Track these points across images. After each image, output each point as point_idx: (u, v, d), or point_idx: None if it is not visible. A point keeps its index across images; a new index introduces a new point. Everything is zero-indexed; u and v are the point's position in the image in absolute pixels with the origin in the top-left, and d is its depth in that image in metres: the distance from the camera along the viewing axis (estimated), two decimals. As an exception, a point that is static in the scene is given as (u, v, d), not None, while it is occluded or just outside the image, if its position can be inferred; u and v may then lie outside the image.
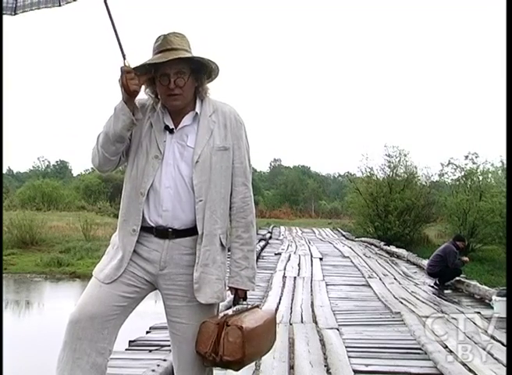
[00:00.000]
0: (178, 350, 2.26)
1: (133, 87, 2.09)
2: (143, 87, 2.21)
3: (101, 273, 2.22)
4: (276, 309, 6.84)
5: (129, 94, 2.10)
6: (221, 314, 2.22)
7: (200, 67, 2.21)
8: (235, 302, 2.27)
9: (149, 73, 2.18)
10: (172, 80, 2.16)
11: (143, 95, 2.31)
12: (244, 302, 2.28)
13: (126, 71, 2.09)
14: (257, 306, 2.34)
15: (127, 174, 2.25)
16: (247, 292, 2.30)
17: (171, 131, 2.22)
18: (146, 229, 2.20)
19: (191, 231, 2.20)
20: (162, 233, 2.19)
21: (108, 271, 2.20)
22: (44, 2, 2.39)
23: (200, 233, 2.18)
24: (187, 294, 2.21)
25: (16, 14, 2.35)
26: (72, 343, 2.15)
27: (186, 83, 2.18)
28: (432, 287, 9.15)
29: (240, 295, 2.27)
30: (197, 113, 2.24)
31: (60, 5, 2.40)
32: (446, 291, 8.93)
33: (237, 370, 2.20)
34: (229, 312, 2.21)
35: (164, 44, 2.18)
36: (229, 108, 2.31)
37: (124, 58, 2.16)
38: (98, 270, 2.25)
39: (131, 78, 2.09)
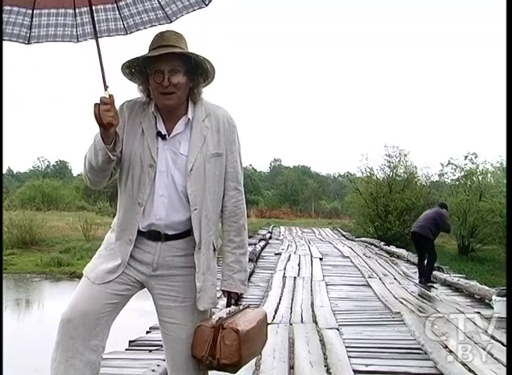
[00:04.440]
0: (171, 351, 2.26)
1: (107, 119, 1.98)
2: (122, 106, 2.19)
3: (92, 273, 2.20)
4: (276, 309, 6.84)
5: (102, 126, 2.01)
6: (214, 317, 2.22)
7: (196, 68, 2.16)
8: (228, 305, 2.26)
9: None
10: (166, 78, 2.11)
11: (132, 96, 2.28)
12: (236, 304, 2.27)
13: (103, 102, 2.00)
14: (248, 307, 2.33)
15: (122, 184, 2.21)
16: (242, 294, 2.30)
17: (163, 138, 2.18)
18: (139, 232, 2.18)
19: (184, 234, 2.19)
20: (155, 235, 2.18)
21: (100, 273, 2.19)
22: (60, 36, 2.44)
23: (197, 241, 2.16)
24: (180, 294, 2.20)
25: (29, 43, 2.39)
26: (65, 342, 2.14)
27: (180, 82, 2.13)
28: (420, 283, 9.38)
29: (233, 298, 2.27)
30: (189, 119, 2.20)
31: (78, 42, 2.44)
32: (435, 285, 9.24)
33: (234, 373, 2.19)
34: (223, 314, 2.20)
35: (160, 40, 2.15)
36: (223, 111, 2.26)
37: (105, 89, 2.08)
38: (89, 270, 2.23)
39: (107, 110, 1.99)
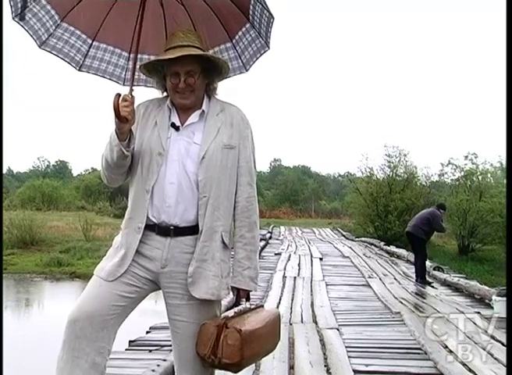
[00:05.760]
0: (179, 348, 2.25)
1: (123, 113, 2.06)
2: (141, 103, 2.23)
3: (102, 271, 2.21)
4: (276, 309, 6.83)
5: (118, 117, 2.06)
6: (222, 316, 2.21)
7: (211, 65, 2.21)
8: (237, 303, 2.25)
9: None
10: (183, 79, 2.17)
11: (147, 96, 2.32)
12: (247, 303, 2.26)
13: (124, 98, 2.08)
14: (262, 306, 2.32)
15: (133, 174, 2.25)
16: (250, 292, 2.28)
17: (177, 128, 2.22)
18: (149, 227, 2.19)
19: (194, 229, 2.19)
20: (164, 230, 2.19)
21: (109, 268, 2.19)
22: (109, 74, 2.51)
23: (200, 228, 2.17)
24: (188, 292, 2.20)
25: (80, 70, 2.46)
26: (71, 342, 2.14)
27: (196, 82, 2.18)
28: (416, 281, 9.43)
29: (242, 296, 2.25)
30: (203, 111, 2.24)
31: (124, 85, 2.51)
32: (435, 285, 9.24)
33: (236, 372, 2.19)
34: (231, 313, 2.19)
35: (174, 40, 2.20)
36: (236, 108, 2.31)
37: (130, 92, 2.16)
38: (100, 269, 2.24)
39: (126, 105, 2.07)
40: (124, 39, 2.47)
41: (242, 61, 2.45)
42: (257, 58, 2.43)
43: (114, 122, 2.09)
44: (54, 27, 2.37)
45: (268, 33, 2.32)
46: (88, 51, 2.46)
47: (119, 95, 2.08)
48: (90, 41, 2.45)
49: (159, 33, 2.44)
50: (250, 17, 2.34)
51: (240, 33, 2.42)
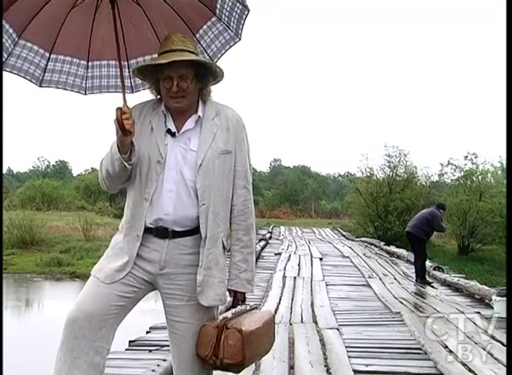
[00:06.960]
0: (177, 349, 2.25)
1: (126, 126, 2.06)
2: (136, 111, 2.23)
3: (101, 273, 2.21)
4: (276, 309, 6.84)
5: (122, 131, 2.06)
6: (220, 317, 2.22)
7: (205, 70, 2.19)
8: (234, 305, 2.26)
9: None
10: (175, 83, 2.15)
11: (143, 97, 2.32)
12: (243, 304, 2.28)
13: (122, 111, 2.08)
14: (256, 308, 2.34)
15: (131, 181, 2.24)
16: (246, 293, 2.30)
17: (173, 135, 2.21)
18: (147, 230, 2.19)
19: (192, 231, 2.20)
20: (162, 233, 2.19)
21: (109, 272, 2.19)
22: (70, 86, 2.50)
23: (203, 236, 2.17)
24: (186, 293, 2.21)
25: (41, 86, 2.45)
26: (70, 342, 2.14)
27: (189, 86, 2.17)
28: (416, 281, 9.46)
29: (239, 298, 2.27)
30: (199, 116, 2.23)
31: (86, 94, 2.52)
32: (435, 285, 9.26)
33: (237, 373, 2.20)
34: (229, 314, 2.21)
35: (168, 44, 2.18)
36: (232, 111, 2.29)
37: (125, 103, 2.17)
38: (98, 269, 2.24)
39: (126, 118, 2.07)
40: (81, 48, 2.46)
41: (208, 54, 2.44)
42: (226, 51, 2.42)
43: (116, 135, 2.08)
44: (12, 46, 2.34)
45: (239, 24, 2.30)
46: (47, 65, 2.43)
47: (120, 109, 2.07)
48: (47, 55, 2.43)
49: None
50: (218, 10, 2.33)
51: (204, 27, 2.41)
